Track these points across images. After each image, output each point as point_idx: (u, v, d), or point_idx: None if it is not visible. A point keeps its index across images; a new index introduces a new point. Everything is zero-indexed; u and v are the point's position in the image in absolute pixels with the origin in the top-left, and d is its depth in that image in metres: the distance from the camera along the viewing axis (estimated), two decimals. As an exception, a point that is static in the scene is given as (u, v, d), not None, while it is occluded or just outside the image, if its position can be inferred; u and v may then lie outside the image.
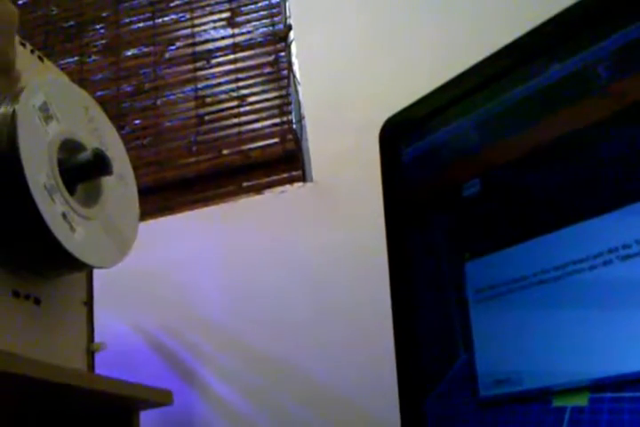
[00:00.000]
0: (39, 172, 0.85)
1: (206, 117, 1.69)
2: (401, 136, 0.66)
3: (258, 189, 1.59)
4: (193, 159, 1.66)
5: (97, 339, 1.06)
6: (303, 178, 1.57)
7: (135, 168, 1.11)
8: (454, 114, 0.60)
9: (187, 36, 1.79)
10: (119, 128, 1.69)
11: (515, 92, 0.55)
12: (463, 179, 0.57)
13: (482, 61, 0.60)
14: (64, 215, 0.88)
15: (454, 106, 0.60)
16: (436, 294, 0.57)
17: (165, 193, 1.66)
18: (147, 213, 1.51)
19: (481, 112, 0.58)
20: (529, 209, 0.52)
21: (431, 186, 0.61)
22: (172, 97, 1.74)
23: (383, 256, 0.65)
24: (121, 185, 1.04)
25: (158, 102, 1.74)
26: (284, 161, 1.59)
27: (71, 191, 0.93)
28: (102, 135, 1.02)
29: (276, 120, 1.63)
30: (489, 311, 0.53)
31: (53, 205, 0.86)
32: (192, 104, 1.71)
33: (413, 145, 0.64)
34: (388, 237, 0.63)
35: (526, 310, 0.50)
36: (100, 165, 0.95)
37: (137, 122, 1.74)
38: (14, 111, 0.84)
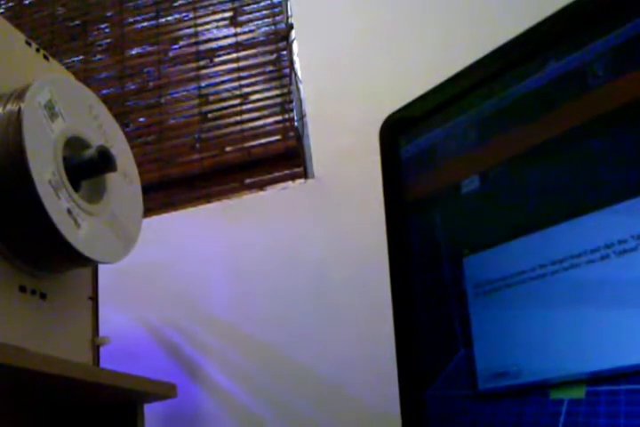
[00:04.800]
0: (44, 168, 0.85)
1: (209, 115, 1.69)
2: (401, 133, 0.66)
3: (260, 186, 1.59)
4: (196, 156, 1.66)
5: (102, 333, 1.06)
6: (304, 174, 1.57)
7: (139, 165, 1.11)
8: (454, 111, 0.60)
9: (190, 35, 1.79)
10: (124, 126, 1.69)
11: (513, 90, 0.55)
12: (462, 175, 0.57)
13: (480, 59, 0.59)
14: (69, 211, 0.88)
15: (454, 103, 0.60)
16: (436, 289, 0.57)
17: (169, 190, 1.66)
18: (151, 209, 1.51)
19: (480, 109, 0.58)
20: (527, 205, 0.52)
21: (431, 183, 0.61)
22: (175, 95, 1.74)
23: (384, 252, 0.65)
24: (125, 182, 1.04)
25: (162, 100, 1.74)
26: (286, 158, 1.59)
27: (76, 188, 0.93)
28: (106, 133, 1.02)
29: (278, 118, 1.63)
30: (487, 305, 0.52)
31: (58, 201, 0.86)
32: (195, 102, 1.71)
33: (413, 142, 0.64)
34: (389, 233, 0.63)
35: (524, 304, 0.50)
36: (104, 161, 0.95)
37: (141, 120, 1.74)
38: (20, 109, 0.84)
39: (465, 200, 0.57)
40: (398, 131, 0.66)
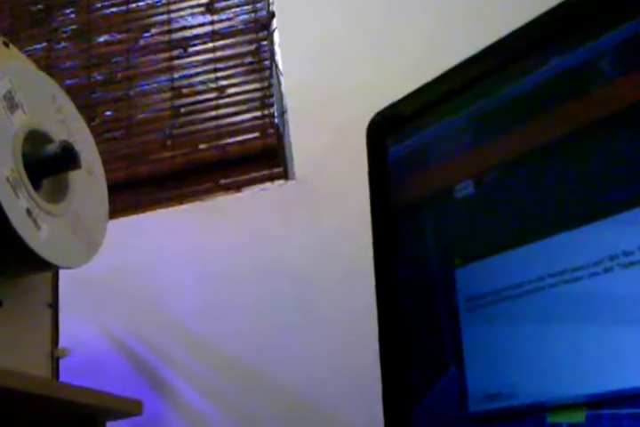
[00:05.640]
0: (2, 165, 0.84)
1: (182, 109, 1.68)
2: (389, 132, 0.66)
3: (236, 187, 1.58)
4: (167, 154, 1.65)
5: (62, 344, 1.05)
6: (285, 175, 1.56)
7: (106, 162, 1.11)
8: (447, 110, 0.60)
9: (162, 23, 1.77)
10: (89, 120, 1.67)
11: (513, 88, 0.55)
12: (455, 179, 0.57)
13: (476, 54, 0.59)
14: (28, 211, 0.87)
15: (447, 101, 0.60)
16: (425, 302, 0.57)
17: (138, 189, 1.64)
18: (118, 210, 1.50)
19: (475, 108, 0.58)
20: (525, 212, 0.52)
21: (421, 186, 0.61)
22: (145, 87, 1.73)
23: (369, 259, 0.64)
24: (89, 180, 1.03)
25: (131, 93, 1.73)
26: (265, 157, 1.59)
27: (37, 186, 0.92)
28: (70, 127, 1.01)
29: (257, 113, 1.62)
30: (480, 321, 0.52)
31: (17, 201, 0.85)
32: (167, 95, 1.70)
33: (403, 142, 0.64)
34: (375, 241, 0.63)
35: (520, 320, 0.50)
36: (67, 158, 0.94)
37: (108, 113, 1.73)
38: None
39: (458, 206, 0.57)
40: (387, 130, 0.66)
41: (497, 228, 0.53)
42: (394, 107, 0.66)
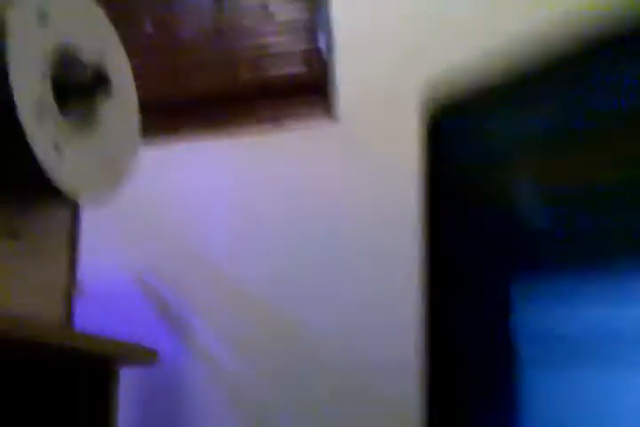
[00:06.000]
0: (29, 91, 0.81)
1: (226, 32, 1.61)
2: (447, 122, 0.61)
3: (277, 122, 1.52)
4: (206, 77, 1.59)
5: (82, 279, 1.04)
6: (329, 114, 1.50)
7: (139, 84, 1.06)
8: (520, 107, 0.55)
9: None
10: (125, 37, 1.61)
11: (605, 98, 0.48)
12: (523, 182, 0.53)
13: (564, 53, 0.52)
14: (53, 142, 0.84)
15: (520, 98, 0.55)
16: (478, 315, 0.53)
17: (172, 113, 1.59)
18: (148, 136, 1.46)
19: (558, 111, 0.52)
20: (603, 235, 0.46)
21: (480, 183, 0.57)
22: (189, 3, 1.66)
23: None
24: (121, 107, 1.00)
25: (173, 8, 1.66)
26: (309, 92, 1.53)
27: (64, 112, 0.89)
28: (104, 45, 0.97)
29: (305, 44, 1.55)
30: (542, 364, 0.47)
31: (42, 131, 0.82)
32: (211, 14, 1.63)
33: (463, 134, 0.59)
34: (425, 234, 0.59)
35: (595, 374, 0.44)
36: (98, 84, 0.92)
37: (147, 30, 1.66)
38: (4, 19, 0.79)
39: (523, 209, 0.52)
40: (445, 119, 0.61)
41: (577, 244, 0.47)
42: (455, 97, 0.61)
